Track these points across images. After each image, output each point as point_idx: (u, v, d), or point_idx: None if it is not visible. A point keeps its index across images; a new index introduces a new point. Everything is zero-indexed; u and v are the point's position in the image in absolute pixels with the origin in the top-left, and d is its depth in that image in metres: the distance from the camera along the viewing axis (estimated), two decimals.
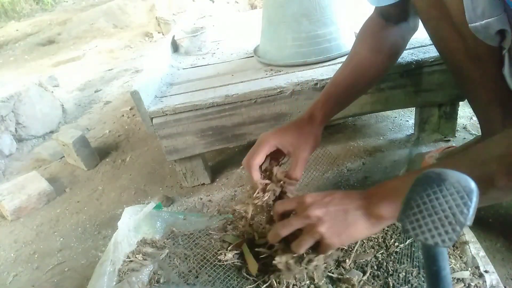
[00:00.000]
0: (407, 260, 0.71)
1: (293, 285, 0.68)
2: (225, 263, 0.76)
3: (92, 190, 1.32)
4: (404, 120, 1.35)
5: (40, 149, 1.66)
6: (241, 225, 0.78)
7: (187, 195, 1.18)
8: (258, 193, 0.72)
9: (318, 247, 0.61)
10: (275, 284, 0.68)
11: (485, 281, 0.64)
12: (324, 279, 0.69)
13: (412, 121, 1.32)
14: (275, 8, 1.15)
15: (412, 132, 1.26)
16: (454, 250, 0.71)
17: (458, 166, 0.47)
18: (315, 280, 0.67)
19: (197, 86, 1.16)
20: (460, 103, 1.16)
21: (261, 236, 0.76)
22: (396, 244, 0.75)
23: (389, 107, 1.15)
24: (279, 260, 0.64)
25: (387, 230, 0.79)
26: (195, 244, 0.84)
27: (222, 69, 1.25)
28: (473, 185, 0.39)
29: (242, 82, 1.12)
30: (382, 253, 0.73)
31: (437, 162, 0.80)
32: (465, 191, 0.38)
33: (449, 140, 1.17)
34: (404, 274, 0.68)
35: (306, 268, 0.64)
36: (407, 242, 0.74)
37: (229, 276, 0.73)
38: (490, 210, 0.89)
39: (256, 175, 0.72)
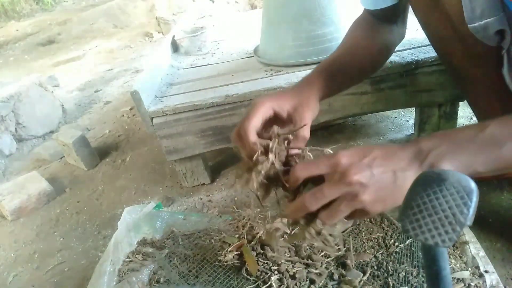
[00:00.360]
0: (407, 260, 0.71)
1: (293, 285, 0.68)
2: (225, 263, 0.76)
3: (92, 190, 1.32)
4: (404, 120, 1.35)
5: (40, 149, 1.66)
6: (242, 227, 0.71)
7: (187, 195, 1.18)
8: (258, 157, 0.55)
9: (352, 214, 0.50)
10: (275, 285, 0.68)
11: (485, 281, 0.64)
12: (325, 279, 0.69)
13: (412, 121, 1.32)
14: (275, 8, 1.15)
15: (412, 132, 1.26)
16: (454, 250, 0.72)
17: None
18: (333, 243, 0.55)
19: (197, 86, 1.16)
20: (460, 103, 1.16)
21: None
22: (396, 244, 0.75)
23: (389, 107, 1.15)
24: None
25: (387, 230, 0.79)
26: (195, 244, 0.84)
27: (222, 69, 1.25)
28: (473, 185, 0.39)
29: (242, 82, 1.12)
30: (382, 253, 0.73)
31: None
32: (465, 191, 0.38)
33: None
34: (404, 274, 0.68)
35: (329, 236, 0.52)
36: (407, 242, 0.74)
37: (229, 276, 0.73)
38: (490, 210, 0.89)
39: (253, 136, 0.57)
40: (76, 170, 1.47)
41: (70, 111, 2.02)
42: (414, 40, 1.14)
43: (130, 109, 1.91)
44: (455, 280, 0.65)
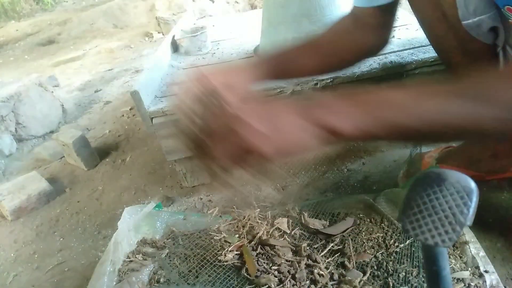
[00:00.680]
0: (407, 260, 0.71)
1: (293, 285, 0.68)
2: (225, 263, 0.76)
3: (92, 190, 1.32)
4: None
5: (40, 149, 1.66)
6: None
7: (187, 195, 1.17)
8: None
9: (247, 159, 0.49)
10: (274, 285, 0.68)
11: (485, 281, 0.64)
12: (325, 279, 0.69)
13: None
14: (275, 8, 1.15)
15: None
16: (454, 250, 0.72)
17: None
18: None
19: None
20: None
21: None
22: (396, 244, 0.75)
23: None
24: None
25: (387, 230, 0.79)
26: (195, 244, 0.84)
27: None
28: (473, 185, 0.39)
29: None
30: (382, 253, 0.73)
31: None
32: (465, 191, 0.38)
33: None
34: (404, 274, 0.68)
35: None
36: (407, 242, 0.74)
37: (229, 276, 0.73)
38: (490, 210, 0.89)
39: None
40: (76, 170, 1.47)
41: (70, 111, 2.02)
42: (414, 40, 1.14)
43: (130, 109, 1.91)
44: (455, 280, 0.65)
